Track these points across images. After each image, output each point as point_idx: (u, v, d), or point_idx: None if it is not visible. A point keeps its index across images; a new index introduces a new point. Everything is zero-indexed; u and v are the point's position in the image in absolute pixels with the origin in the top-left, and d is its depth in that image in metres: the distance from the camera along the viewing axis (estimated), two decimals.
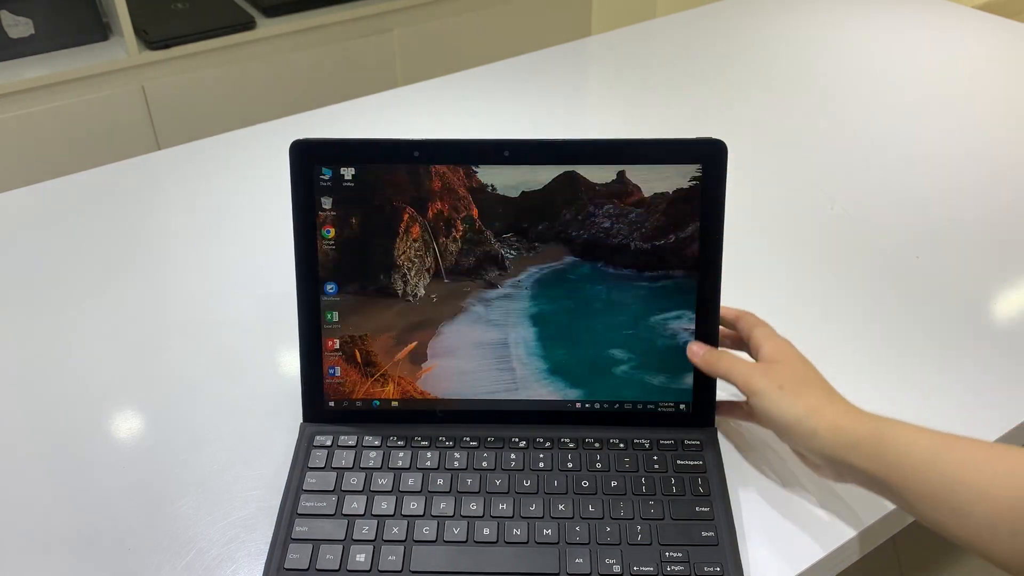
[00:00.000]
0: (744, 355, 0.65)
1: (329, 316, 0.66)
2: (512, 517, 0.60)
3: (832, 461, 0.56)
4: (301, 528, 0.59)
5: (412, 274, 0.65)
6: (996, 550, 0.49)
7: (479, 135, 0.64)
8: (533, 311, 0.66)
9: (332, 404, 0.67)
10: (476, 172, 0.64)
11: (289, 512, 0.60)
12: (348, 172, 0.64)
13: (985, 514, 0.48)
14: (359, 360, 0.66)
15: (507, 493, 0.62)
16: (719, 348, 0.65)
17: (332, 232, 0.64)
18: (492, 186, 0.64)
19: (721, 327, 0.67)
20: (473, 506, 0.61)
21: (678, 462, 0.64)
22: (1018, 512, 0.47)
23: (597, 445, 0.65)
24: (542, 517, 0.60)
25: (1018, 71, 1.28)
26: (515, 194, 0.64)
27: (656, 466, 0.63)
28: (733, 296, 0.69)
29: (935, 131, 1.13)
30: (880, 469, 0.53)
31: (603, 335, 0.66)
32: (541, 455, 0.64)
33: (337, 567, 0.57)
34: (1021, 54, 1.33)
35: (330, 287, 0.65)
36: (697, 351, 0.64)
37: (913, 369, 0.75)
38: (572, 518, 0.60)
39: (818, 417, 0.56)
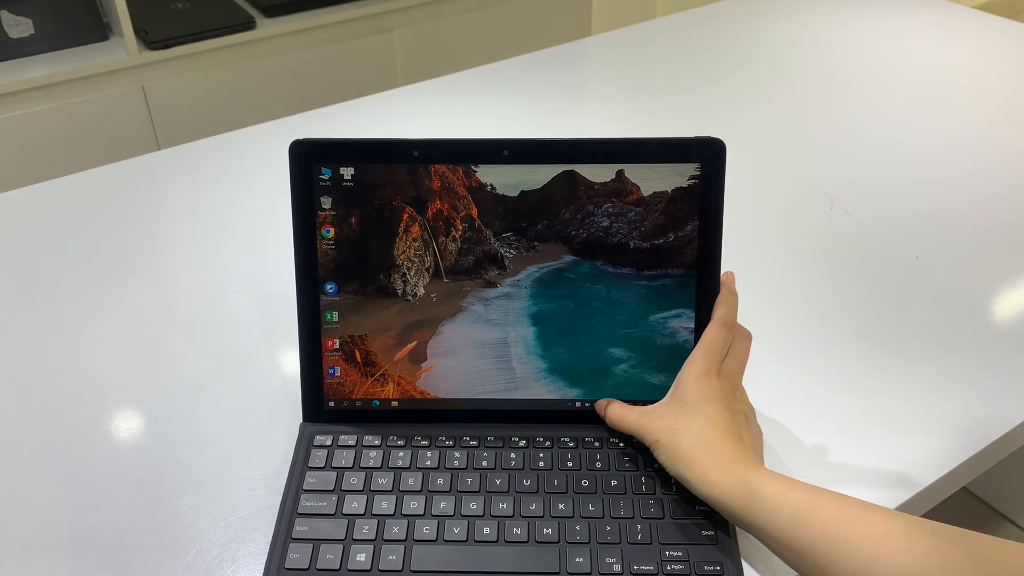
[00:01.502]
0: None
1: (329, 316, 0.66)
2: (512, 516, 0.60)
3: (712, 507, 0.58)
4: (301, 528, 0.59)
5: (412, 274, 0.65)
6: None
7: (479, 135, 0.64)
8: (532, 310, 0.66)
9: (332, 404, 0.67)
10: (475, 171, 0.64)
11: (289, 512, 0.60)
12: (348, 172, 0.64)
13: (845, 572, 0.51)
14: (359, 360, 0.66)
15: (507, 492, 0.62)
16: (610, 400, 0.66)
17: (332, 232, 0.64)
18: (491, 185, 0.64)
19: None
20: (473, 505, 0.61)
21: None
22: (875, 572, 0.49)
23: (597, 444, 0.65)
24: (542, 516, 0.60)
25: (1018, 71, 1.28)
26: (514, 193, 0.64)
27: (656, 465, 0.63)
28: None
29: (935, 131, 1.13)
30: (751, 523, 0.55)
31: (602, 334, 0.66)
32: (541, 454, 0.64)
33: (337, 567, 0.57)
34: (1021, 54, 1.33)
35: (330, 287, 0.65)
36: (599, 407, 0.66)
37: (913, 369, 0.75)
38: (572, 517, 0.60)
39: (690, 469, 0.57)
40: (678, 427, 0.59)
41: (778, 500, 0.54)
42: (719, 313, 0.64)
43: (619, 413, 0.64)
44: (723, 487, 0.55)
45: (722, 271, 0.65)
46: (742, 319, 0.67)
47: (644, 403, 0.66)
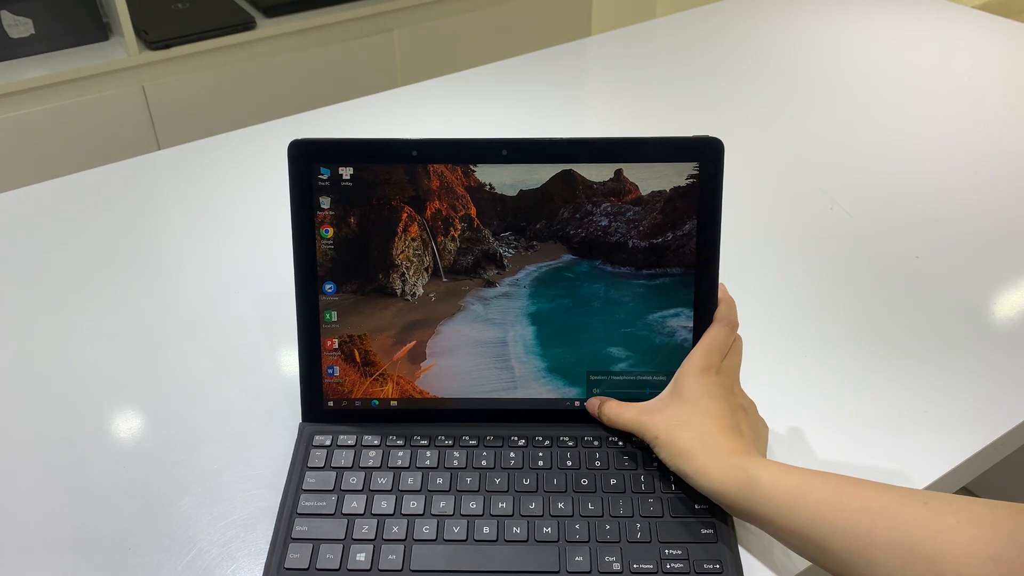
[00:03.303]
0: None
1: (328, 316, 0.66)
2: (512, 516, 0.60)
3: (711, 499, 0.59)
4: (301, 528, 0.59)
5: (411, 273, 0.65)
6: None
7: (478, 135, 0.64)
8: (531, 309, 0.66)
9: (331, 404, 0.67)
10: (474, 171, 0.64)
11: (289, 512, 0.61)
12: (346, 172, 0.64)
13: (844, 549, 0.51)
14: (358, 359, 0.66)
15: (507, 492, 0.62)
16: (604, 398, 0.66)
17: (331, 232, 0.65)
18: (490, 185, 0.64)
19: None
20: (473, 505, 0.61)
21: None
22: (872, 545, 0.50)
23: (596, 443, 0.65)
24: (542, 515, 0.60)
25: (1018, 71, 1.28)
26: (513, 193, 0.64)
27: (655, 464, 0.63)
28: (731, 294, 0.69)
29: (934, 131, 1.13)
30: (749, 511, 0.56)
31: (601, 333, 0.66)
32: (540, 453, 0.64)
33: (337, 566, 0.57)
34: (1021, 54, 1.33)
35: (329, 287, 0.65)
36: (591, 406, 0.66)
37: (912, 368, 0.75)
38: (572, 516, 0.60)
39: (689, 463, 0.58)
40: (676, 422, 0.60)
41: (774, 486, 0.54)
42: (721, 312, 0.65)
43: (615, 411, 0.64)
44: (721, 479, 0.56)
45: (720, 270, 0.65)
46: (741, 318, 0.67)
47: (639, 400, 0.66)
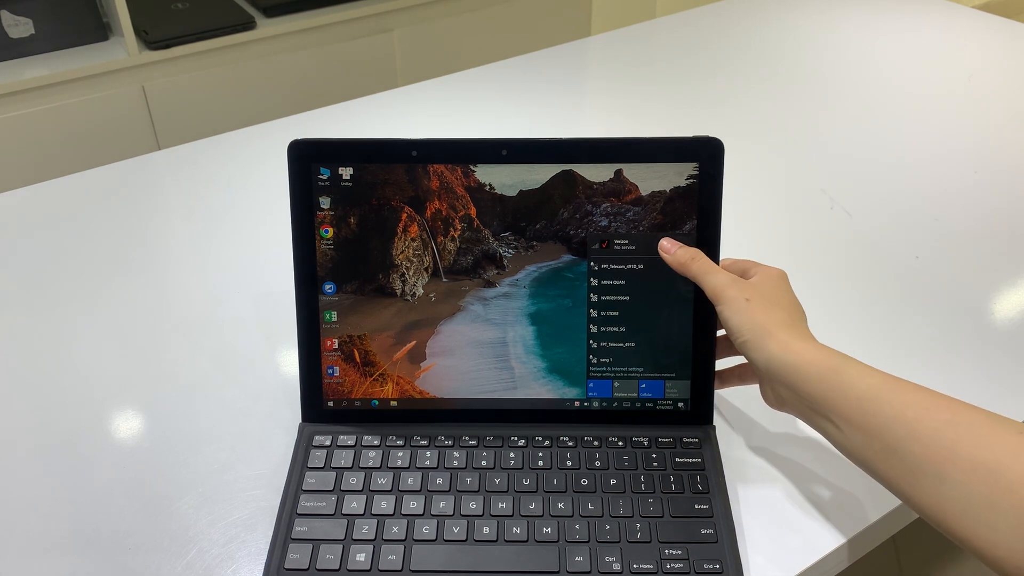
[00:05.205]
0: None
1: (328, 316, 0.66)
2: (512, 516, 0.60)
3: (776, 379, 0.56)
4: (301, 528, 0.59)
5: (410, 273, 0.65)
6: (917, 496, 0.49)
7: (478, 135, 0.64)
8: (531, 310, 0.66)
9: (331, 404, 0.67)
10: (474, 171, 0.64)
11: (289, 512, 0.61)
12: (346, 172, 0.64)
13: (918, 456, 0.48)
14: (358, 360, 0.66)
15: (506, 492, 0.62)
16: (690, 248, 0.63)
17: (330, 232, 0.65)
18: (490, 185, 0.64)
19: None
20: (473, 505, 0.61)
21: (677, 460, 0.64)
22: (951, 460, 0.47)
23: (596, 443, 0.65)
24: (542, 516, 0.60)
25: (1018, 71, 1.28)
26: (513, 193, 0.64)
27: (655, 464, 0.63)
28: None
29: (935, 131, 1.13)
30: (823, 396, 0.53)
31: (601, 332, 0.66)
32: (540, 453, 0.64)
33: (337, 567, 0.57)
34: (1021, 54, 1.33)
35: (328, 287, 0.65)
36: (668, 247, 0.63)
37: (912, 369, 0.75)
38: (572, 516, 0.60)
39: (773, 334, 0.56)
40: (774, 299, 0.58)
41: (860, 376, 0.52)
42: (691, 262, 0.62)
43: (703, 263, 0.61)
44: (804, 354, 0.55)
45: None
46: None
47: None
